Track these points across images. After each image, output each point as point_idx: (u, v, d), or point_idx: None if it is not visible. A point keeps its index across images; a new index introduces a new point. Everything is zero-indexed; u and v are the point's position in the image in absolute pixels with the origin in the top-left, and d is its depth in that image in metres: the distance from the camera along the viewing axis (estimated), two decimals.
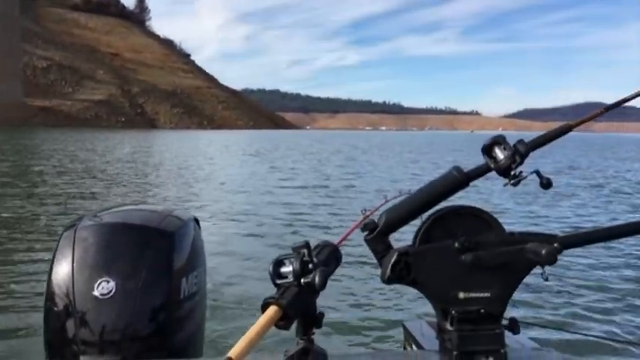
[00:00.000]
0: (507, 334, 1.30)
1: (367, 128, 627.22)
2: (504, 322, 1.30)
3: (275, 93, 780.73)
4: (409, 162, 34.17)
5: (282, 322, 0.97)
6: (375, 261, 1.33)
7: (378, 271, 1.31)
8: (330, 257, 1.16)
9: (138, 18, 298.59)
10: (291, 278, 1.03)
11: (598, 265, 7.60)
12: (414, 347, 1.64)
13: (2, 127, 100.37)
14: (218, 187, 18.00)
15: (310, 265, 1.04)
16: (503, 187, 1.32)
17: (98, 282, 1.19)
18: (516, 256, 1.26)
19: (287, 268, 1.04)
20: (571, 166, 30.95)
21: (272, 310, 0.96)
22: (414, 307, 5.49)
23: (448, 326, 1.27)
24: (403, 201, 1.36)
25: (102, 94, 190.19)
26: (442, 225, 1.31)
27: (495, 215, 1.35)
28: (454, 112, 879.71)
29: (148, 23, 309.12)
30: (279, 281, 1.04)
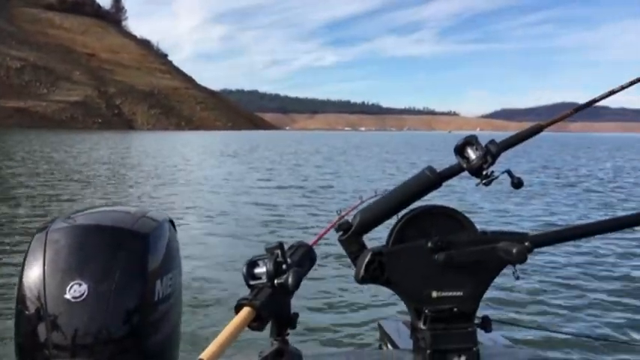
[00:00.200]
0: (480, 332, 1.31)
1: (346, 129, 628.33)
2: (477, 320, 1.31)
3: (253, 93, 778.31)
4: (386, 162, 34.36)
5: (255, 323, 0.97)
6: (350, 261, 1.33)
7: (354, 271, 1.32)
8: (304, 258, 1.16)
9: (114, 18, 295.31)
10: (264, 279, 1.02)
11: (569, 264, 7.72)
12: (389, 346, 1.65)
13: None
14: (195, 188, 17.91)
15: (284, 266, 1.03)
16: (475, 186, 1.32)
17: (70, 285, 1.17)
18: (488, 255, 1.28)
19: (260, 269, 1.04)
20: (545, 165, 31.37)
21: (245, 311, 0.95)
22: (390, 306, 5.51)
23: (421, 325, 1.28)
24: (377, 201, 1.37)
25: (78, 95, 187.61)
26: (415, 225, 1.32)
27: (469, 214, 1.36)
28: (432, 113, 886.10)
29: (124, 23, 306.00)
30: (252, 282, 1.03)
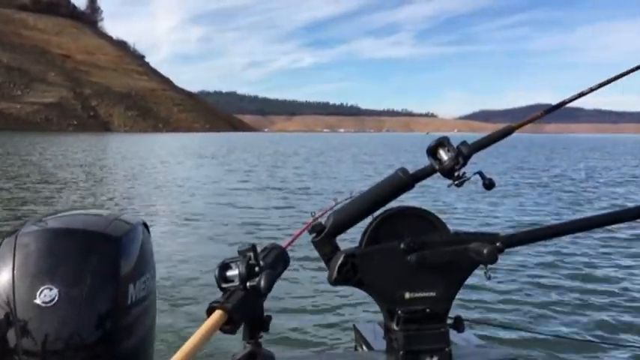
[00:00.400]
0: (453, 332, 1.32)
1: (325, 130, 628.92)
2: (449, 320, 1.32)
3: (232, 95, 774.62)
4: (364, 163, 34.48)
5: (227, 326, 0.96)
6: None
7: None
8: (277, 260, 1.15)
9: (89, 19, 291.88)
10: (237, 282, 1.02)
11: (540, 263, 7.82)
12: (364, 348, 1.65)
13: None
14: (172, 191, 17.78)
15: (256, 269, 1.03)
16: (447, 187, 1.33)
17: (40, 290, 1.16)
18: (460, 256, 1.28)
19: (233, 272, 1.03)
20: (520, 166, 31.79)
21: (217, 314, 0.95)
22: (366, 308, 5.51)
23: (394, 326, 1.28)
24: (350, 203, 1.37)
25: (53, 97, 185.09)
26: (388, 226, 1.32)
27: (444, 214, 1.37)
28: (411, 114, 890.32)
29: (100, 24, 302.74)
30: (224, 285, 1.03)
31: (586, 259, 8.16)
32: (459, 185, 1.30)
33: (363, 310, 5.55)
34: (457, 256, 1.28)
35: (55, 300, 1.15)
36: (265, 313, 1.12)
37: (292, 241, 1.97)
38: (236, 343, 1.13)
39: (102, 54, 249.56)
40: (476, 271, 1.34)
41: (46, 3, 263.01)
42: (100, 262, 1.24)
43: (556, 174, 25.93)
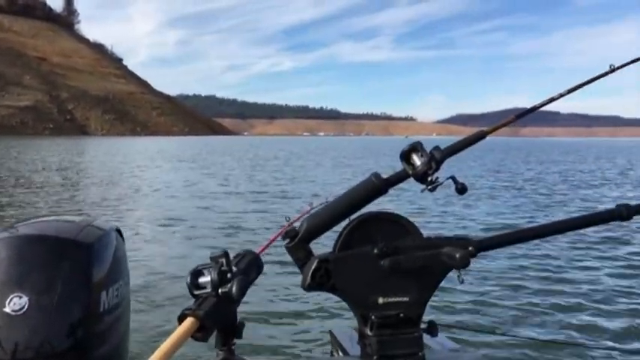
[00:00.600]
0: (427, 336, 1.32)
1: (305, 134, 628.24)
2: (423, 325, 1.32)
3: (211, 99, 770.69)
4: (343, 167, 34.54)
5: (199, 333, 0.95)
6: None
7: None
8: (250, 266, 1.14)
9: (66, 21, 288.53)
10: (209, 289, 1.01)
11: (513, 267, 7.86)
12: (340, 354, 1.64)
13: None
14: (150, 195, 17.64)
15: (229, 275, 1.02)
16: (421, 192, 1.34)
17: (10, 298, 1.14)
18: (433, 261, 1.28)
19: (205, 279, 1.03)
20: (496, 169, 32.11)
21: (189, 321, 0.94)
22: (343, 313, 5.47)
23: (368, 331, 1.28)
24: (324, 208, 1.37)
25: (28, 100, 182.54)
26: (362, 231, 1.32)
27: (420, 217, 1.39)
28: (390, 118, 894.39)
29: (76, 27, 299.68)
30: (197, 292, 1.03)
31: (557, 262, 8.24)
32: (432, 190, 1.29)
33: (340, 316, 5.51)
34: (430, 261, 1.28)
35: (25, 308, 1.14)
36: (239, 320, 1.11)
37: (266, 247, 1.96)
38: (208, 350, 1.12)
39: (79, 57, 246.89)
40: (449, 275, 1.35)
41: (21, 5, 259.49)
42: (72, 270, 1.23)
43: (531, 177, 26.23)
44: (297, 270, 1.33)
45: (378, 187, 1.33)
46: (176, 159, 42.92)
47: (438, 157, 1.31)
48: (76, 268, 1.25)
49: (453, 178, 1.32)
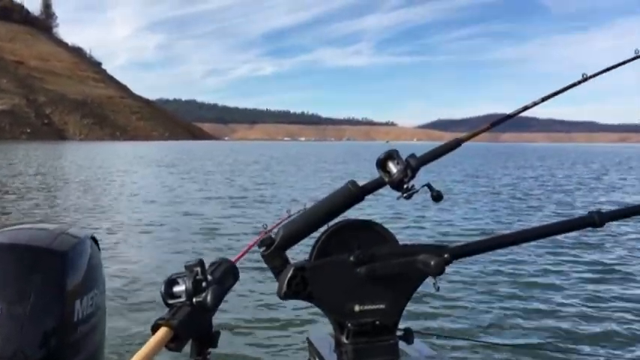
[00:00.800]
0: (403, 344, 1.34)
1: (286, 139, 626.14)
2: (399, 332, 1.35)
3: (191, 103, 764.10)
4: (323, 172, 34.53)
5: (173, 343, 0.95)
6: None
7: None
8: (226, 275, 1.14)
9: (44, 25, 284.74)
10: (183, 298, 1.01)
11: (489, 273, 7.96)
12: None
13: None
14: (128, 200, 17.50)
15: (203, 284, 1.02)
16: (397, 200, 1.36)
17: None
18: (408, 268, 1.29)
19: (179, 288, 1.02)
20: (475, 174, 32.38)
21: (162, 331, 0.94)
22: (320, 320, 5.43)
23: (344, 339, 1.30)
24: (300, 216, 1.38)
25: (5, 104, 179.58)
26: (338, 239, 1.34)
27: (396, 223, 1.40)
28: (371, 123, 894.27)
29: (55, 30, 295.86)
30: (171, 301, 1.03)
31: (532, 267, 8.34)
32: (407, 197, 1.29)
33: (317, 322, 5.52)
34: (405, 268, 1.29)
35: None
36: (214, 329, 1.11)
37: (242, 255, 1.96)
38: (183, 359, 1.13)
39: (57, 61, 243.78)
40: (426, 282, 1.37)
41: None
42: (45, 278, 1.23)
43: (508, 182, 26.53)
44: (274, 278, 1.34)
45: (354, 194, 1.34)
46: (155, 164, 42.54)
47: (413, 165, 1.32)
48: (50, 277, 1.24)
49: (429, 185, 1.34)
